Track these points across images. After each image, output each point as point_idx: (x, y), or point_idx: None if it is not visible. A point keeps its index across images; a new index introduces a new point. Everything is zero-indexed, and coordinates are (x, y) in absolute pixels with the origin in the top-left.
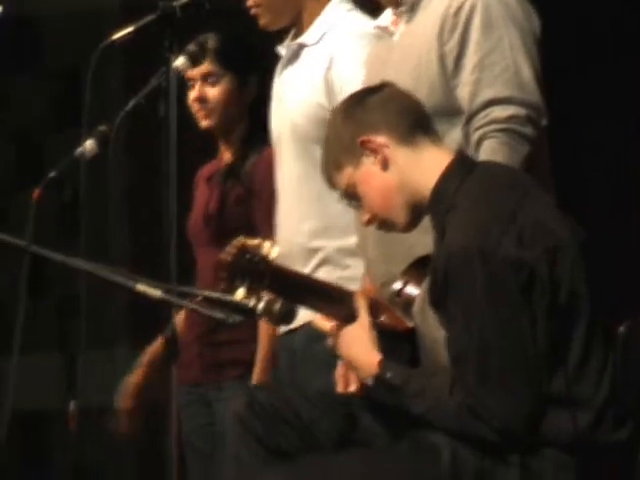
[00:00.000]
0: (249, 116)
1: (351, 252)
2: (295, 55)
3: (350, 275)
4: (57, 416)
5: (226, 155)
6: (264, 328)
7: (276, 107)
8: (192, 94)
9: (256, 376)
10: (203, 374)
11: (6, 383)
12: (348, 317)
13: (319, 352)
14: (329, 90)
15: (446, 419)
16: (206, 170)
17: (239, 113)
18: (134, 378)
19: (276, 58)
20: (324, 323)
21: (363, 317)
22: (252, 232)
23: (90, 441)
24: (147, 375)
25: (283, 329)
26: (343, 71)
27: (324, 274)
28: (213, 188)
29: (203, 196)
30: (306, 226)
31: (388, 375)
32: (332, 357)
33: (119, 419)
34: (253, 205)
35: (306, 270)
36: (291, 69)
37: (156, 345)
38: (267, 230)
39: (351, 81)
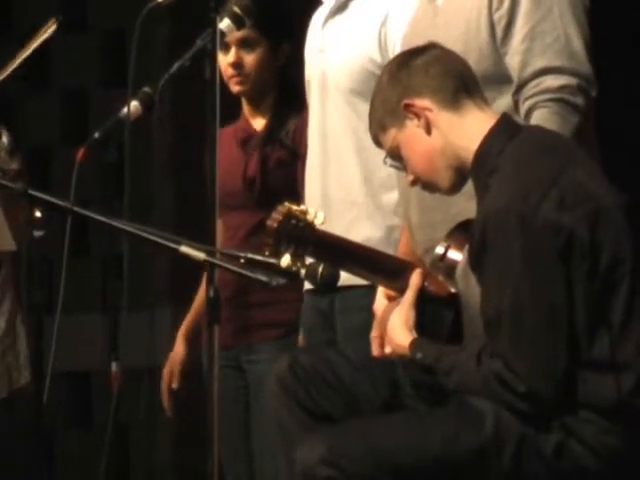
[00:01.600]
0: (280, 81)
1: (392, 211)
2: (342, 7)
3: (388, 237)
4: (99, 376)
5: (257, 120)
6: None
7: (316, 57)
8: (228, 58)
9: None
10: (233, 337)
11: (49, 342)
12: (393, 285)
13: (356, 320)
14: (382, 45)
15: (476, 391)
16: (231, 134)
17: (271, 79)
18: (177, 355)
19: (306, 19)
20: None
21: (409, 296)
22: (293, 195)
23: (131, 401)
24: (187, 348)
25: (308, 286)
26: (398, 28)
27: (364, 230)
28: (250, 153)
29: (235, 159)
30: (344, 178)
31: (418, 356)
32: (369, 326)
33: (164, 398)
34: (296, 167)
35: (344, 224)
36: (337, 20)
37: (192, 311)
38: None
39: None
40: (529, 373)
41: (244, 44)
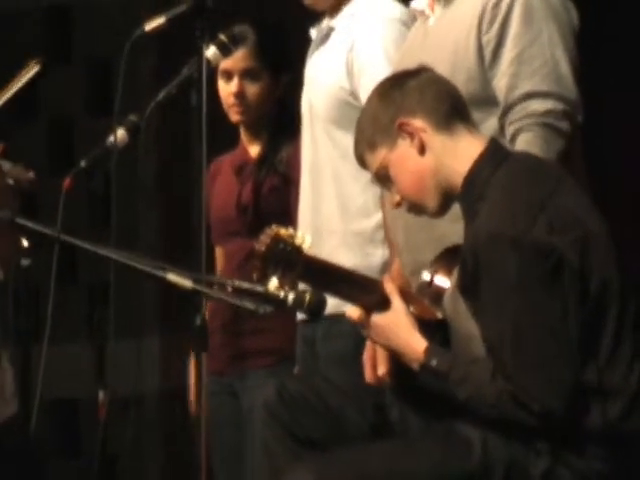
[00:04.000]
0: (277, 109)
1: (369, 238)
2: (325, 38)
3: (367, 264)
4: (87, 404)
5: (253, 147)
6: None
7: (305, 89)
8: (230, 87)
9: None
10: (227, 364)
11: (36, 371)
12: (379, 305)
13: (336, 347)
14: (349, 72)
15: (488, 405)
16: (228, 162)
17: (270, 108)
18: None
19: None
20: (355, 311)
21: (397, 303)
22: (287, 221)
23: (118, 429)
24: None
25: (300, 317)
26: (364, 55)
27: (343, 258)
28: (244, 179)
29: (230, 187)
30: (323, 208)
31: (434, 362)
32: (349, 353)
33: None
34: (290, 193)
35: (324, 253)
36: (320, 52)
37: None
38: None
39: (372, 64)
40: (540, 392)
41: (247, 75)
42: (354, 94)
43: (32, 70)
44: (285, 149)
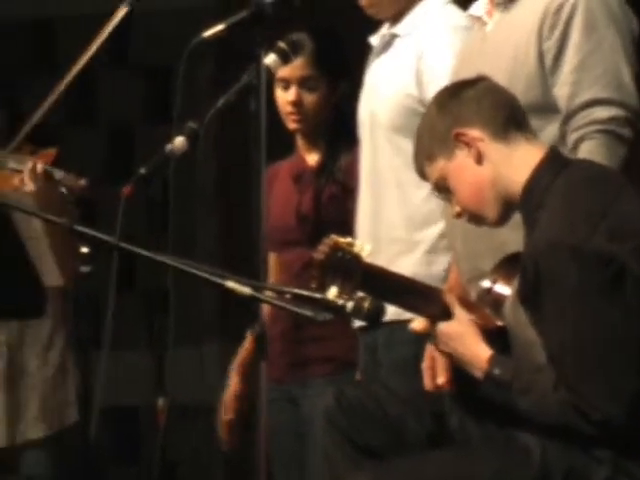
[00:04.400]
0: (334, 116)
1: (432, 246)
2: (387, 45)
3: (429, 272)
4: (146, 412)
5: (312, 155)
6: None
7: (365, 97)
8: (288, 96)
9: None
10: (287, 372)
11: (96, 378)
12: (440, 313)
13: (397, 355)
14: (419, 81)
15: (550, 414)
16: (285, 169)
17: (326, 116)
18: (231, 388)
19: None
20: (419, 323)
21: (460, 312)
22: (346, 229)
23: (179, 437)
24: (242, 382)
25: (359, 324)
26: (434, 63)
27: (404, 266)
28: (303, 188)
29: (288, 195)
30: (385, 216)
31: (497, 372)
32: (409, 361)
33: (221, 431)
34: (348, 203)
35: (383, 261)
36: (382, 59)
37: (245, 347)
38: None
39: (441, 73)
40: (600, 401)
41: (305, 83)
42: (422, 102)
43: (121, 12)
44: (343, 157)
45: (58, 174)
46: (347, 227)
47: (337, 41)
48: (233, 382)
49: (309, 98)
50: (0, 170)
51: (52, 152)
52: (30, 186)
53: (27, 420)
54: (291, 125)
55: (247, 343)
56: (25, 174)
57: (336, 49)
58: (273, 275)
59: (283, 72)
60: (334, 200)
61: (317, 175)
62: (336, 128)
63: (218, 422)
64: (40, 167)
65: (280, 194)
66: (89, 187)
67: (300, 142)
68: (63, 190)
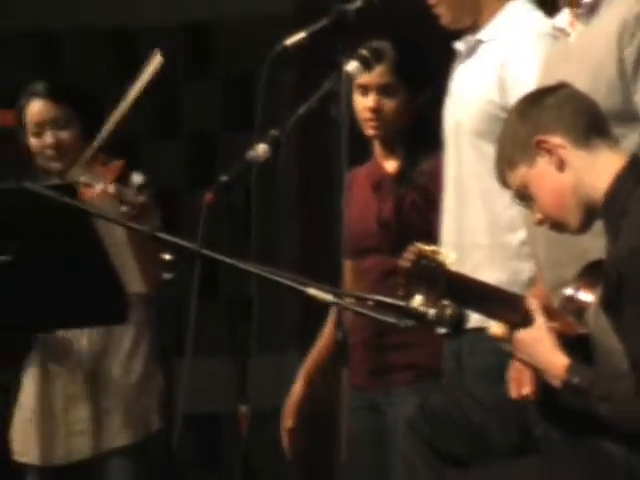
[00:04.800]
0: (414, 122)
1: (515, 253)
2: (472, 51)
3: (513, 279)
4: (228, 419)
5: (390, 162)
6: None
7: (449, 103)
8: (367, 102)
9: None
10: (369, 379)
11: (179, 385)
12: (522, 321)
13: (481, 362)
14: (502, 88)
15: (632, 421)
16: (363, 175)
17: (405, 123)
18: (294, 394)
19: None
20: (499, 328)
21: (540, 320)
22: (428, 236)
23: (260, 445)
24: (306, 388)
25: (442, 331)
26: (517, 70)
27: (487, 273)
28: (384, 195)
29: (368, 202)
30: (468, 223)
31: (576, 380)
32: (493, 368)
33: (284, 437)
34: (430, 208)
35: (467, 268)
36: (467, 64)
37: (316, 352)
38: None
39: (524, 80)
40: None
41: (385, 90)
42: (505, 109)
43: (154, 63)
44: (423, 163)
45: (120, 190)
46: (428, 234)
47: (418, 49)
48: (296, 388)
49: (388, 104)
50: (74, 184)
51: (119, 165)
52: (100, 205)
53: (112, 428)
54: (369, 131)
55: (318, 347)
56: (96, 193)
57: (417, 57)
58: (347, 283)
59: (363, 79)
60: (415, 207)
61: (397, 182)
62: (415, 134)
63: (283, 429)
64: (111, 188)
65: (359, 201)
66: (147, 204)
67: (378, 148)
68: (123, 208)
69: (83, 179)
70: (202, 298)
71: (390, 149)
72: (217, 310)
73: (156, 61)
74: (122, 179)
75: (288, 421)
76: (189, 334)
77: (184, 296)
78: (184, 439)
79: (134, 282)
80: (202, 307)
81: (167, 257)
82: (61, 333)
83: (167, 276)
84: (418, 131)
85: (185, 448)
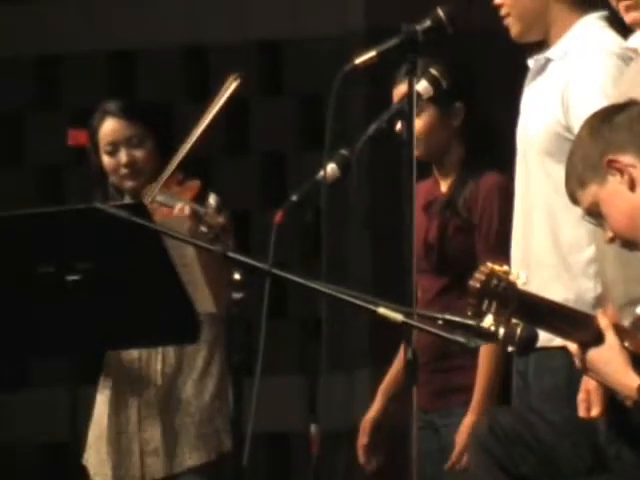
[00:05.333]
0: (463, 142)
1: (582, 271)
2: (542, 69)
3: (579, 298)
4: (298, 439)
5: (442, 183)
6: (485, 355)
7: (520, 121)
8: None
9: (476, 404)
10: (431, 401)
11: (248, 405)
12: (593, 340)
13: (548, 381)
14: (565, 107)
15: None
16: (421, 192)
17: (446, 141)
18: (371, 411)
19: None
20: (571, 347)
21: (612, 339)
22: (472, 261)
23: (330, 463)
24: (384, 408)
25: (510, 349)
26: (581, 89)
27: (554, 291)
28: (432, 217)
29: (419, 221)
30: (534, 241)
31: None
32: (560, 388)
33: (359, 454)
34: (473, 236)
35: (534, 286)
36: (536, 82)
37: (393, 371)
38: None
39: (588, 99)
40: None
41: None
42: (569, 128)
43: (232, 85)
44: (468, 188)
45: (201, 210)
46: (473, 259)
47: (468, 72)
48: (374, 405)
49: (417, 122)
50: (150, 204)
51: (196, 185)
52: (180, 226)
53: (185, 448)
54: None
55: (393, 368)
56: (175, 214)
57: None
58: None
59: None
60: (460, 232)
61: (444, 206)
62: (468, 159)
63: (358, 447)
64: (188, 209)
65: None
66: (227, 225)
67: (435, 168)
68: (203, 229)
69: (161, 199)
70: (272, 317)
71: (442, 171)
72: (287, 329)
73: (233, 84)
74: (199, 199)
75: (363, 438)
76: (259, 353)
77: (254, 315)
78: (254, 459)
79: (205, 302)
80: (272, 326)
81: (237, 276)
82: (136, 353)
83: (237, 295)
84: (467, 151)
85: (255, 468)
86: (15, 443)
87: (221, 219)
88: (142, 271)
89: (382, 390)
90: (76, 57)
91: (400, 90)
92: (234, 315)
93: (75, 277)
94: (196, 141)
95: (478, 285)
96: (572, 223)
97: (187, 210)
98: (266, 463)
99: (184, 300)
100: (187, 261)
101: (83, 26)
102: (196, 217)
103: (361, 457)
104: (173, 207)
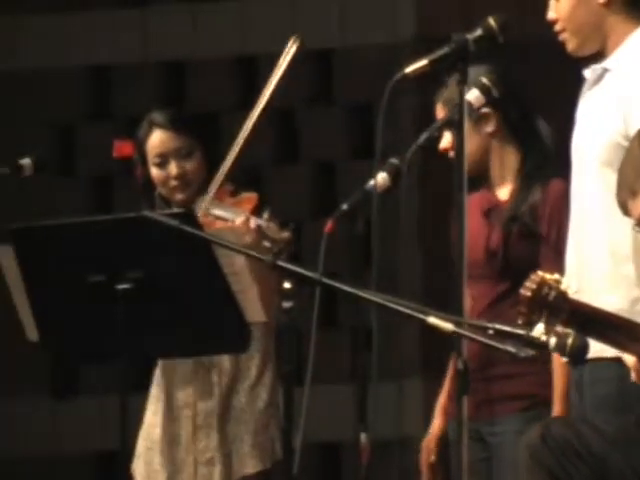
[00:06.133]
0: (518, 150)
1: (636, 282)
2: (598, 78)
3: (633, 309)
4: (349, 447)
5: (503, 189)
6: (558, 363)
7: (576, 130)
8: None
9: (556, 413)
10: (476, 410)
11: (299, 414)
12: None
13: (601, 392)
14: (626, 116)
15: None
16: (476, 201)
17: (480, 147)
18: (435, 429)
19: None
20: (628, 358)
21: None
22: (534, 268)
23: (380, 473)
24: (445, 424)
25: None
26: None
27: (607, 301)
28: (493, 223)
29: (478, 229)
30: (588, 250)
31: None
32: (613, 398)
33: (426, 471)
34: (536, 242)
35: (586, 296)
36: (593, 92)
37: (448, 383)
38: (551, 270)
39: None
40: None
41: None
42: (627, 137)
43: (293, 48)
44: (534, 196)
45: (264, 224)
46: (535, 265)
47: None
48: (436, 423)
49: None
50: (205, 217)
51: (253, 198)
52: (241, 239)
53: (240, 457)
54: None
55: (447, 381)
56: (237, 227)
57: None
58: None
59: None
60: (524, 238)
61: (507, 212)
62: (529, 165)
63: (421, 464)
64: (254, 223)
65: (470, 227)
66: (292, 238)
67: (492, 175)
68: (267, 244)
69: (216, 211)
70: (322, 326)
71: (500, 176)
72: (337, 338)
73: (294, 47)
74: (256, 212)
75: (430, 456)
76: (309, 362)
77: (304, 324)
78: (304, 468)
79: (255, 311)
80: (322, 335)
81: (287, 285)
82: (191, 363)
83: (287, 305)
84: (533, 162)
85: (305, 477)
86: (65, 451)
87: (286, 234)
88: (192, 280)
89: (441, 406)
90: (126, 67)
91: (440, 112)
92: (284, 324)
93: (125, 286)
94: (243, 147)
95: (529, 294)
96: (628, 233)
97: (253, 224)
98: (316, 472)
99: (234, 309)
100: (237, 270)
101: (133, 36)
102: (260, 231)
103: (427, 476)
104: (228, 220)
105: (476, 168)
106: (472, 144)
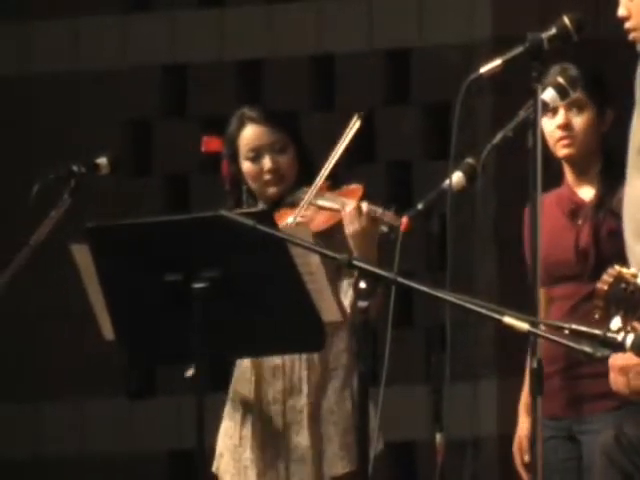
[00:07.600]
0: (605, 149)
1: None
2: None
3: None
4: (424, 447)
5: (584, 189)
6: None
7: (635, 124)
8: (557, 120)
9: None
10: (565, 408)
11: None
12: None
13: None
14: None
15: None
16: (552, 202)
17: (596, 145)
18: (522, 429)
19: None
20: None
21: None
22: (626, 264)
23: (456, 473)
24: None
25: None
26: None
27: None
28: (580, 223)
29: (563, 230)
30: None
31: None
32: None
33: (522, 473)
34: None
35: None
36: None
37: (525, 387)
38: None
39: None
40: None
41: (573, 107)
42: None
43: (355, 126)
44: (619, 189)
45: (379, 210)
46: (626, 261)
47: (602, 69)
48: (522, 424)
49: (577, 120)
50: (308, 207)
51: (359, 188)
52: (355, 225)
53: (329, 457)
54: (561, 151)
55: (526, 382)
56: (348, 213)
57: (601, 76)
58: (541, 310)
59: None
60: (613, 235)
61: (594, 209)
62: (609, 160)
63: (518, 466)
64: (366, 206)
65: (549, 228)
66: (410, 224)
67: (569, 174)
68: (384, 229)
69: (322, 203)
70: (397, 326)
71: (582, 174)
72: (412, 338)
73: (357, 124)
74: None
75: (524, 456)
76: (384, 362)
77: (380, 323)
78: (380, 468)
79: (330, 311)
80: (397, 335)
81: (363, 285)
82: (279, 360)
83: (362, 304)
84: (611, 157)
85: (381, 477)
86: (143, 451)
87: (404, 219)
88: (268, 279)
89: (524, 406)
90: (203, 66)
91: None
92: (360, 324)
93: (202, 285)
94: (326, 177)
95: (606, 287)
96: None
97: (365, 208)
98: (391, 471)
99: (310, 308)
100: (312, 269)
101: (210, 36)
102: (376, 217)
103: (525, 476)
104: (336, 209)
105: (583, 163)
106: (592, 139)
